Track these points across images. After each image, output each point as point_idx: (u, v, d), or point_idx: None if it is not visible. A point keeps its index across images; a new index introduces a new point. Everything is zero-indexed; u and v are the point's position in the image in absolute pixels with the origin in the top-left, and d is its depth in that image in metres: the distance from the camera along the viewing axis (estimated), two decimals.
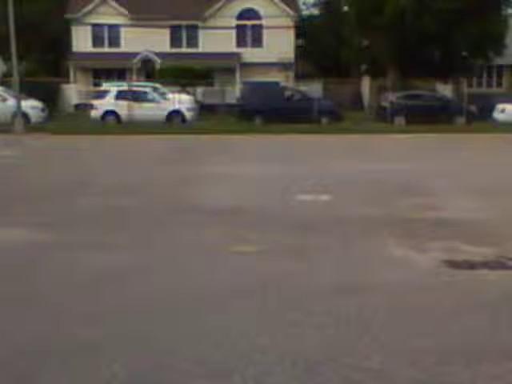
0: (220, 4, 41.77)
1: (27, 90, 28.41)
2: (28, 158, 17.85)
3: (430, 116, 28.75)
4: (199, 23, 41.85)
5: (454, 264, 6.95)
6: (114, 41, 41.99)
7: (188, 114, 29.36)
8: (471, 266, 6.93)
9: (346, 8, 42.71)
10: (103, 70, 40.96)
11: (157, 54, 40.25)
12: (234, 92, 37.91)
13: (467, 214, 9.67)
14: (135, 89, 30.43)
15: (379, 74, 37.26)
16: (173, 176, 13.79)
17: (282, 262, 7.02)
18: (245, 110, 30.45)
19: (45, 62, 45.84)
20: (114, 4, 41.47)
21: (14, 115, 26.09)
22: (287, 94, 32.26)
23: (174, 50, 41.18)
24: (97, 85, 37.57)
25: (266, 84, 36.61)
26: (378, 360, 4.53)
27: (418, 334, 5.01)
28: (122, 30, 41.60)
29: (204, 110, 33.88)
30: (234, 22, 41.72)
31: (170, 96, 30.78)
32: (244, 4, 41.94)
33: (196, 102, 33.42)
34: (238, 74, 41.19)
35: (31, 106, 28.23)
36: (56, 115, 32.10)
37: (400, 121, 29.74)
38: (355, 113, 35.06)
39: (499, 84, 41.56)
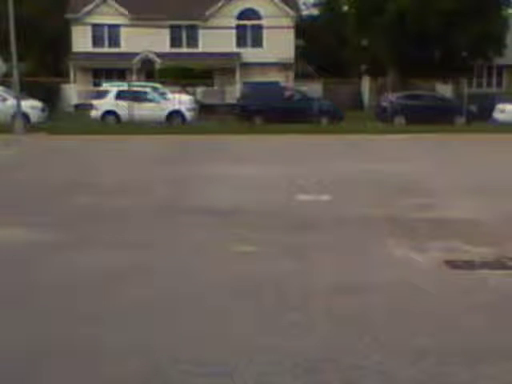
0: (220, 4, 41.74)
1: (27, 90, 28.38)
2: (28, 158, 17.85)
3: (430, 116, 28.71)
4: (199, 23, 41.81)
5: (454, 264, 6.95)
6: (114, 41, 41.96)
7: (188, 114, 29.34)
8: (471, 266, 6.93)
9: (346, 8, 42.76)
10: (103, 70, 40.92)
11: (157, 54, 40.24)
12: (234, 92, 37.89)
13: (467, 214, 9.66)
14: (135, 89, 30.39)
15: (379, 73, 37.27)
16: (173, 176, 13.77)
17: (282, 262, 7.02)
18: (245, 110, 30.41)
19: (45, 62, 45.83)
20: (114, 4, 41.43)
21: (14, 115, 26.06)
22: (287, 93, 32.22)
23: (174, 50, 41.17)
24: (97, 85, 37.54)
25: (266, 84, 36.58)
26: (378, 360, 4.53)
27: (418, 334, 5.01)
28: (122, 30, 41.56)
29: (204, 109, 33.84)
30: (234, 22, 41.69)
31: (170, 96, 30.76)
32: (244, 4, 41.93)
33: (196, 102, 33.39)
34: (238, 74, 41.16)
35: (31, 105, 28.19)
36: (56, 115, 32.08)
37: (400, 121, 29.72)
38: (355, 113, 35.02)
39: (499, 84, 41.53)
